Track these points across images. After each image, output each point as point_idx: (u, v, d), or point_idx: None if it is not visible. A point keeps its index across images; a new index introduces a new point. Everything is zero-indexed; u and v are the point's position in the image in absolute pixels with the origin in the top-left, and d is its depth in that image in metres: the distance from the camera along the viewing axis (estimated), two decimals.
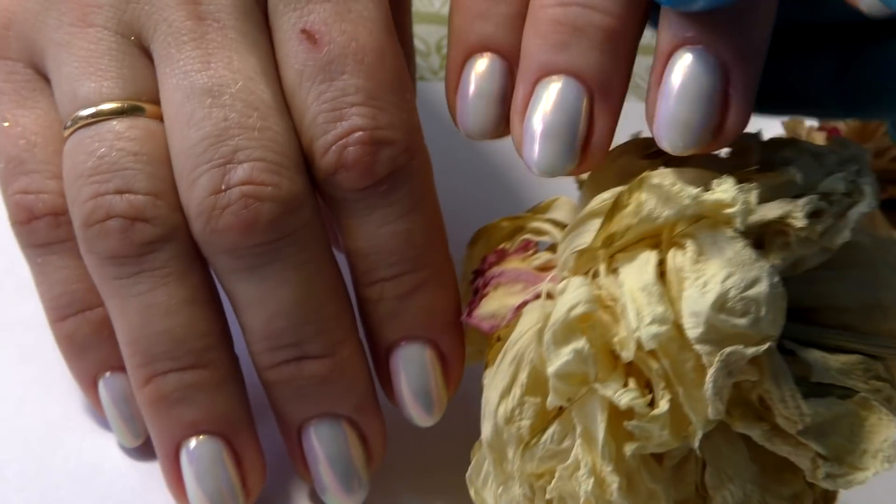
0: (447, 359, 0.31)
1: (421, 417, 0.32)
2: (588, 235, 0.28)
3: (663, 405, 0.26)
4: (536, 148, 0.28)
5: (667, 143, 0.27)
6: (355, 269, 0.31)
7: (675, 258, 0.26)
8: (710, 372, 0.25)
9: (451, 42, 0.30)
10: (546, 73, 0.28)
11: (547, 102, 0.28)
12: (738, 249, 0.26)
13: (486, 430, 0.29)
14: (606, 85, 0.28)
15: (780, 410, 0.26)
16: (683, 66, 0.27)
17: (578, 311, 0.26)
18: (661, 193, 0.26)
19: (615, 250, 0.27)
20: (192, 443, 0.30)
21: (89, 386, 0.33)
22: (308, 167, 0.30)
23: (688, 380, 0.26)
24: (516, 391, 0.28)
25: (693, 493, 0.28)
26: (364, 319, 0.31)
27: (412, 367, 0.31)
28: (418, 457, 0.34)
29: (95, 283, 0.31)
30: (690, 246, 0.26)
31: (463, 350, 0.32)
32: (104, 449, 0.33)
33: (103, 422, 0.33)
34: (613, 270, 0.27)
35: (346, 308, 0.31)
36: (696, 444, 0.26)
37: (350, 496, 0.31)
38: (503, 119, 0.30)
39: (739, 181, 0.26)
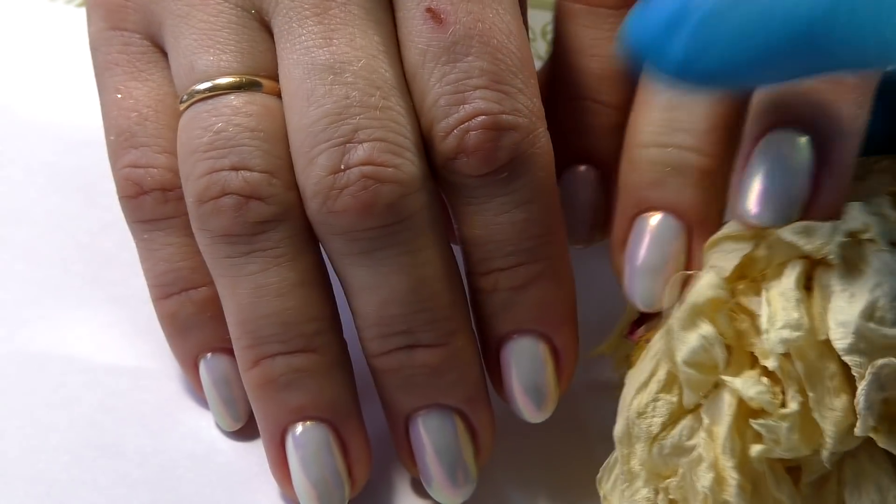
0: (560, 354, 0.30)
1: (531, 413, 0.31)
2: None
3: (793, 405, 0.25)
4: (637, 282, 0.29)
5: (755, 217, 0.27)
6: (470, 258, 0.30)
7: (822, 275, 0.26)
8: (862, 385, 0.24)
9: None
10: (645, 208, 0.29)
11: (646, 237, 0.29)
12: (886, 260, 0.25)
13: (619, 425, 0.28)
14: (703, 220, 0.29)
15: None
16: (770, 145, 0.27)
17: (706, 294, 0.26)
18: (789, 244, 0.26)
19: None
20: (299, 428, 0.30)
21: (190, 366, 0.32)
22: (427, 151, 0.29)
23: (824, 387, 0.25)
24: (652, 387, 0.27)
25: None
26: (476, 310, 0.31)
27: (524, 361, 0.30)
28: (526, 452, 0.33)
29: (206, 261, 0.30)
30: (837, 262, 0.26)
31: (576, 346, 0.31)
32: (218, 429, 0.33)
33: None
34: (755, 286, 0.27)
35: (461, 298, 0.30)
36: (826, 455, 0.25)
37: (457, 490, 0.31)
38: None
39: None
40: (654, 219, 0.29)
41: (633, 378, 0.28)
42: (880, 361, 0.24)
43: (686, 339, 0.26)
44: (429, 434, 0.30)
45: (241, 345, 0.30)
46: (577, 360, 0.31)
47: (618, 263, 0.30)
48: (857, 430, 0.25)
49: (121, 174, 0.31)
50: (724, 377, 0.26)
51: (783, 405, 0.25)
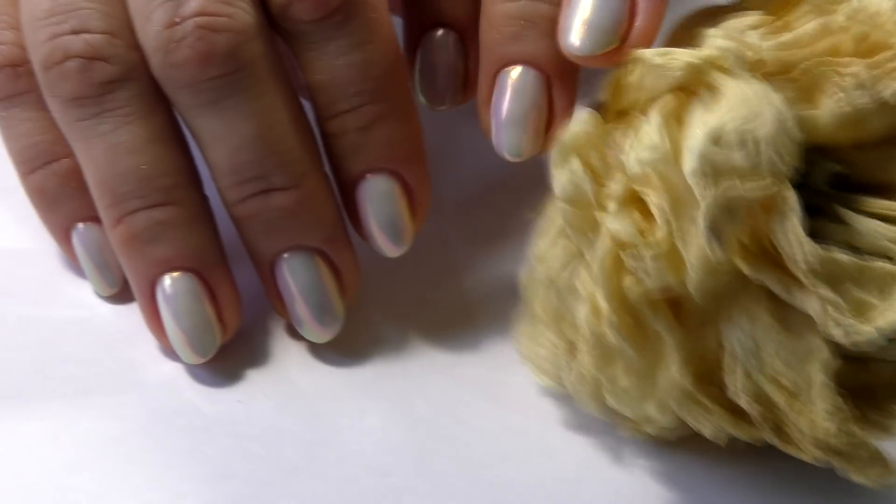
0: (412, 190, 0.32)
1: (389, 248, 0.32)
2: None
3: (657, 235, 0.26)
4: (504, 135, 0.30)
5: (569, 48, 0.29)
6: (316, 105, 0.31)
7: (689, 107, 0.26)
8: (703, 206, 0.25)
9: None
10: (504, 63, 0.30)
11: (507, 91, 0.30)
12: (742, 87, 0.26)
13: (524, 270, 0.29)
14: (561, 69, 0.30)
15: (785, 250, 0.25)
16: None
17: (574, 130, 0.27)
18: (653, 68, 0.27)
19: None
20: (167, 280, 0.31)
21: (63, 238, 0.33)
22: (264, 2, 0.30)
23: (688, 217, 0.26)
24: (551, 231, 0.28)
25: (713, 349, 0.27)
26: (329, 155, 0.32)
27: (377, 199, 0.31)
28: (397, 290, 0.34)
29: (61, 128, 0.31)
30: (704, 93, 0.26)
31: (427, 180, 0.32)
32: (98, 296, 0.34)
33: None
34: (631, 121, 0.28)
35: (310, 141, 0.31)
36: (693, 285, 0.26)
37: (325, 328, 0.32)
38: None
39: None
40: (515, 72, 0.30)
41: (540, 226, 0.29)
42: (725, 184, 0.25)
43: (558, 176, 0.27)
44: (292, 275, 0.31)
45: (103, 205, 0.31)
46: (429, 195, 0.32)
47: (485, 120, 0.31)
48: (709, 256, 0.25)
49: None
50: (596, 212, 0.27)
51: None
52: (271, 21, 0.31)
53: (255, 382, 0.32)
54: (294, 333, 0.33)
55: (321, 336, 0.32)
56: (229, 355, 0.32)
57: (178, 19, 0.29)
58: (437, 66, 0.33)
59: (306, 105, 0.32)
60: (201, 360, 0.31)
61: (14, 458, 0.30)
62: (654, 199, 0.26)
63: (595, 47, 0.29)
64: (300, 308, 0.32)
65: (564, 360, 0.29)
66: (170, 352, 0.32)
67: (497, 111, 0.31)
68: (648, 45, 0.29)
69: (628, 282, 0.27)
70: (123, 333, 0.33)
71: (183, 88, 0.30)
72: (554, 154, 0.28)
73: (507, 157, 0.31)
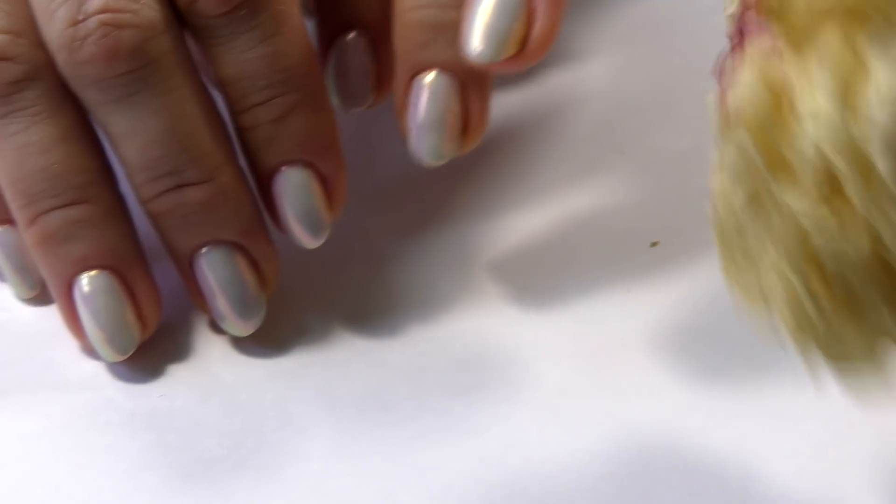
0: (328, 180, 0.32)
1: (307, 240, 0.32)
2: None
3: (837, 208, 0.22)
4: (421, 139, 0.31)
5: (473, 52, 0.30)
6: (228, 99, 0.31)
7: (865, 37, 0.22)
8: None
9: None
10: (418, 70, 0.31)
11: (422, 96, 0.31)
12: None
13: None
14: (474, 72, 0.30)
15: None
16: None
17: (742, 99, 0.23)
18: None
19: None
20: (84, 279, 0.31)
21: None
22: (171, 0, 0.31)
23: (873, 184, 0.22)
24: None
25: None
26: (244, 149, 0.32)
27: (292, 190, 0.32)
28: (316, 278, 0.34)
29: None
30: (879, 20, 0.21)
31: (342, 171, 0.32)
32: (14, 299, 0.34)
33: None
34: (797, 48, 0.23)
35: (222, 134, 0.31)
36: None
37: (246, 322, 0.32)
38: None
39: None
40: (428, 77, 0.31)
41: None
42: None
43: (724, 146, 0.24)
44: (211, 270, 0.31)
45: (16, 205, 0.31)
46: (345, 185, 0.32)
47: (402, 125, 0.32)
48: None
49: None
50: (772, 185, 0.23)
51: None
52: (179, 17, 0.31)
53: (178, 377, 0.32)
54: (216, 328, 0.33)
55: (243, 330, 0.32)
56: (151, 351, 0.32)
57: (81, 17, 0.29)
58: (350, 69, 0.34)
59: (218, 100, 0.32)
60: (121, 358, 0.31)
61: None
62: (834, 166, 0.22)
63: (495, 54, 0.30)
64: (220, 303, 0.32)
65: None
66: (90, 351, 0.32)
67: (413, 116, 0.31)
68: (547, 48, 0.30)
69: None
70: (44, 335, 0.33)
71: (90, 86, 0.30)
72: (717, 125, 0.24)
73: (427, 160, 0.32)
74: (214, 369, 0.32)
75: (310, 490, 0.29)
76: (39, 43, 0.30)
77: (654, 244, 0.35)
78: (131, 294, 0.31)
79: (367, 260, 0.35)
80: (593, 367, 0.31)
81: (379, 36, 0.33)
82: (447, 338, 0.33)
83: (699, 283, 0.33)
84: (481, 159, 0.37)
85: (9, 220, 0.32)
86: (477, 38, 0.30)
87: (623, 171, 0.37)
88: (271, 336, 0.32)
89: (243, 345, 0.32)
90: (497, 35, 0.30)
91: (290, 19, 0.31)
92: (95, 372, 0.32)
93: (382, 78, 0.34)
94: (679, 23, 0.41)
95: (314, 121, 0.31)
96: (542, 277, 0.34)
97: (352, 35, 0.34)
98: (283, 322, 0.33)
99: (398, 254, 0.35)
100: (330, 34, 0.34)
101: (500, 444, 0.30)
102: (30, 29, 0.30)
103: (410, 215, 0.36)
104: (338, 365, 0.32)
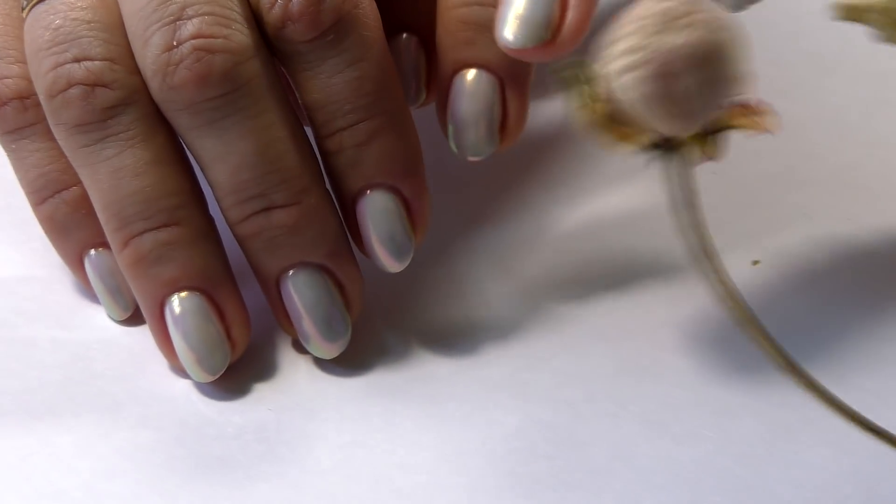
0: (412, 204, 0.32)
1: (390, 263, 0.33)
2: None
3: None
4: (460, 135, 0.32)
5: (503, 39, 0.30)
6: (314, 124, 0.32)
7: None
8: None
9: None
10: (459, 67, 0.32)
11: (462, 94, 0.32)
12: None
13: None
14: (514, 71, 0.31)
15: None
16: None
17: None
18: None
19: None
20: (175, 300, 0.32)
21: (76, 265, 0.34)
22: (260, 26, 0.31)
23: None
24: None
25: None
26: (329, 173, 0.32)
27: (376, 214, 0.32)
28: (403, 303, 0.35)
29: (67, 156, 0.32)
30: None
31: (426, 194, 0.33)
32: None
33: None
34: None
35: (309, 157, 0.32)
36: None
37: (331, 344, 0.32)
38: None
39: None
40: (469, 75, 0.32)
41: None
42: None
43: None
44: (297, 292, 0.32)
45: (110, 228, 0.32)
46: (430, 209, 0.33)
47: (443, 121, 0.33)
48: None
49: None
50: None
51: None
52: (269, 44, 0.31)
53: (286, 392, 0.32)
54: (301, 349, 0.33)
55: (328, 352, 0.33)
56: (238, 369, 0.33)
57: (175, 42, 0.30)
58: (402, 69, 0.34)
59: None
60: (211, 378, 0.32)
61: (50, 467, 0.30)
62: None
63: (527, 41, 0.30)
64: (306, 325, 0.32)
65: None
66: (181, 371, 0.32)
67: (453, 113, 0.32)
68: (580, 38, 0.30)
69: None
70: (151, 351, 0.33)
71: (182, 110, 0.31)
72: None
73: (466, 156, 0.33)
74: (301, 387, 0.33)
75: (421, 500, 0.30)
76: (134, 69, 0.31)
77: (755, 262, 0.35)
78: (221, 315, 0.32)
79: (449, 280, 0.35)
80: (688, 384, 0.32)
81: (429, 37, 0.34)
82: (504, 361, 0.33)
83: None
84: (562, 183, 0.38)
85: (102, 244, 0.33)
86: (510, 25, 0.30)
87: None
88: (352, 355, 0.33)
89: (327, 363, 0.33)
90: (529, 22, 0.30)
91: (376, 43, 0.31)
92: (202, 386, 0.33)
93: (431, 79, 0.35)
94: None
95: (398, 145, 0.32)
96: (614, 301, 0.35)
97: (403, 36, 0.35)
98: (365, 343, 0.33)
99: (482, 273, 0.36)
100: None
101: (608, 457, 0.30)
102: (126, 55, 0.31)
103: (493, 235, 0.37)
104: (421, 386, 0.32)
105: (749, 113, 0.27)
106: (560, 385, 0.32)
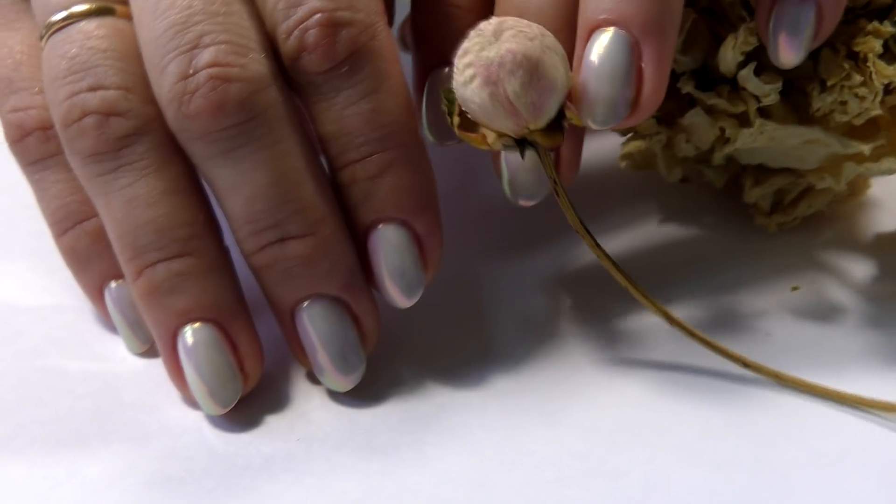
0: (423, 240, 0.32)
1: (399, 298, 0.32)
2: None
3: None
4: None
5: (590, 121, 0.30)
6: (328, 155, 0.32)
7: None
8: None
9: None
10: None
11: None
12: None
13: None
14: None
15: None
16: (600, 45, 0.30)
17: None
18: None
19: None
20: (187, 331, 0.31)
21: (96, 297, 0.34)
22: (276, 55, 0.31)
23: None
24: None
25: None
26: (343, 205, 0.32)
27: (386, 248, 0.32)
28: (419, 337, 0.34)
29: (83, 185, 0.32)
30: None
31: (439, 230, 0.32)
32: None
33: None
34: None
35: (325, 188, 0.32)
36: None
37: (346, 377, 0.32)
38: None
39: None
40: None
41: None
42: None
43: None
44: (312, 324, 0.31)
45: (124, 259, 0.32)
46: (442, 244, 0.32)
47: (496, 162, 0.33)
48: None
49: (5, 120, 0.33)
50: None
51: None
52: (284, 74, 0.31)
53: (314, 422, 0.32)
54: (315, 381, 0.33)
55: (342, 385, 0.32)
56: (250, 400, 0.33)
57: (191, 71, 0.30)
58: (438, 103, 0.34)
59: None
60: (223, 411, 0.32)
61: (78, 498, 0.30)
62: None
63: (607, 121, 0.30)
64: (321, 357, 0.32)
65: None
66: (192, 403, 0.32)
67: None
68: (656, 107, 0.30)
69: None
70: (146, 390, 0.33)
71: (197, 139, 0.30)
72: None
73: (518, 200, 0.33)
74: (314, 419, 0.32)
75: None
76: (149, 98, 0.31)
77: (794, 288, 0.35)
78: (234, 347, 0.32)
79: (460, 313, 0.35)
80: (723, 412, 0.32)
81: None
82: (536, 389, 0.33)
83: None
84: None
85: (122, 276, 0.33)
86: (593, 109, 0.30)
87: None
88: (368, 386, 0.33)
89: (341, 395, 0.33)
90: (610, 105, 0.30)
91: (392, 77, 0.31)
92: (228, 416, 0.32)
93: None
94: None
95: (411, 179, 0.31)
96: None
97: (447, 70, 0.34)
98: (383, 380, 0.33)
99: (494, 305, 0.35)
100: (426, 68, 0.34)
101: (643, 486, 0.30)
102: (141, 84, 0.31)
103: (506, 267, 0.37)
104: (440, 419, 0.32)
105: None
106: (592, 414, 0.32)
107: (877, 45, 0.32)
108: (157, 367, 0.33)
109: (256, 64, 0.30)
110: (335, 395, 0.33)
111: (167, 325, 0.31)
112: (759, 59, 0.33)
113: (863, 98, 0.33)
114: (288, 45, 0.30)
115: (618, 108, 0.30)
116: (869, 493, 0.29)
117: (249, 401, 0.32)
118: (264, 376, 0.33)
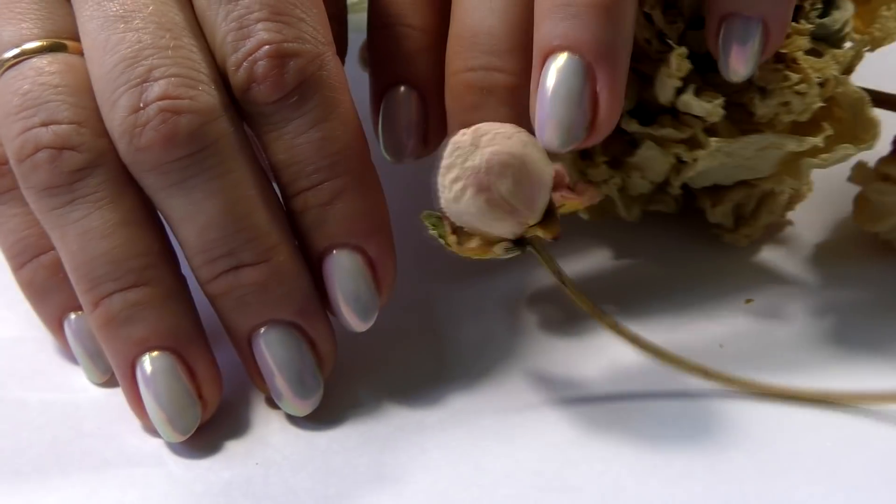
0: (377, 264, 0.32)
1: (355, 322, 0.33)
2: None
3: None
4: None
5: (546, 143, 0.31)
6: (280, 183, 0.32)
7: None
8: None
9: None
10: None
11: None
12: None
13: None
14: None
15: None
16: (555, 70, 0.30)
17: None
18: None
19: None
20: (146, 359, 0.32)
21: (56, 329, 0.34)
22: (227, 87, 0.32)
23: None
24: None
25: None
26: (296, 232, 0.33)
27: (340, 273, 0.32)
28: (376, 359, 0.35)
29: (39, 219, 0.32)
30: None
31: (392, 254, 0.33)
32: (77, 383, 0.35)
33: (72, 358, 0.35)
34: None
35: (278, 215, 0.32)
36: None
37: (304, 401, 0.32)
38: None
39: None
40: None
41: None
42: None
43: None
44: (269, 350, 0.32)
45: (81, 290, 0.32)
46: (395, 268, 0.33)
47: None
48: None
49: None
50: None
51: None
52: (236, 105, 0.32)
53: (273, 445, 0.32)
54: (275, 406, 0.33)
55: (301, 409, 0.33)
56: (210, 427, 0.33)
57: (142, 104, 0.30)
58: (398, 121, 0.35)
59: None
60: (182, 438, 0.32)
61: None
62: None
63: (565, 143, 0.30)
64: (279, 382, 0.32)
65: None
66: (151, 431, 0.32)
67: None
68: (611, 129, 0.31)
69: None
70: (106, 419, 0.33)
71: (150, 171, 0.31)
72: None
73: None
74: (273, 443, 0.33)
75: None
76: (102, 131, 0.31)
77: (748, 301, 0.36)
78: (191, 374, 0.32)
79: (417, 333, 0.36)
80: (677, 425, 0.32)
81: (428, 92, 0.34)
82: (492, 408, 0.33)
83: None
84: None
85: (81, 307, 0.33)
86: (548, 131, 0.30)
87: None
88: (327, 409, 0.33)
89: (300, 419, 0.33)
90: (566, 128, 0.30)
91: (340, 105, 0.32)
92: (188, 443, 0.32)
93: (430, 133, 0.35)
94: None
95: (362, 204, 0.32)
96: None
97: (402, 89, 0.35)
98: (341, 400, 0.33)
99: (452, 325, 0.36)
100: (382, 88, 0.35)
101: (598, 501, 0.30)
102: (93, 118, 0.31)
103: (453, 288, 0.37)
104: (397, 439, 0.32)
105: (572, 194, 0.33)
106: (547, 430, 0.32)
107: (804, 42, 0.34)
108: (116, 397, 0.34)
109: (206, 95, 0.31)
110: (294, 419, 0.33)
111: (125, 354, 0.32)
112: (695, 82, 0.34)
113: (804, 94, 0.34)
114: (238, 77, 0.31)
115: (574, 131, 0.30)
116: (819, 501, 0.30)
117: (209, 427, 0.33)
118: (223, 402, 0.33)
